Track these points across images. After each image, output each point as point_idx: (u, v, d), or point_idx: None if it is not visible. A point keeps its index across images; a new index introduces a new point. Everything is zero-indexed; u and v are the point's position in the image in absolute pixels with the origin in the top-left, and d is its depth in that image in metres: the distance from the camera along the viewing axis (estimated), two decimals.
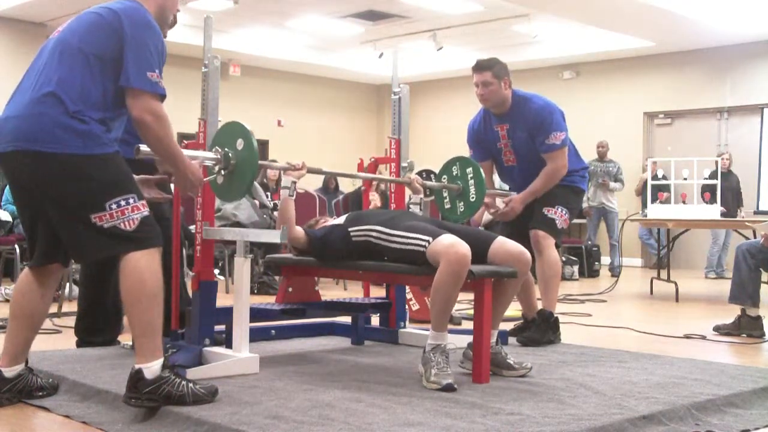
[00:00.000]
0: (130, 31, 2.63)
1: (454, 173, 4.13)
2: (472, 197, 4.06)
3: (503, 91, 4.19)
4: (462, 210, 4.13)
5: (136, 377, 2.58)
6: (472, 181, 4.06)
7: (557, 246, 4.37)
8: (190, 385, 2.66)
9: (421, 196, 4.00)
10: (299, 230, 3.52)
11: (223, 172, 3.18)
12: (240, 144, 3.15)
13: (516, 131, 4.24)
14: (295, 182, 3.45)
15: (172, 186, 3.35)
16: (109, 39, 2.63)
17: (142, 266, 2.59)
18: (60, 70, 2.62)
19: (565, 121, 4.24)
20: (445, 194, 4.17)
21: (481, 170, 4.06)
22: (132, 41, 2.62)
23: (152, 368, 2.59)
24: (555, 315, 4.25)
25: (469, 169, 4.10)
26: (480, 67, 4.19)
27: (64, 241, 2.68)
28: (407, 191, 4.33)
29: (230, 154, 3.16)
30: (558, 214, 4.26)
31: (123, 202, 2.60)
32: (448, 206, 4.18)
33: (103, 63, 2.63)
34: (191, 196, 3.21)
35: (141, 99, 2.61)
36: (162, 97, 2.66)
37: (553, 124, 4.16)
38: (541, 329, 4.18)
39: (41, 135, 2.56)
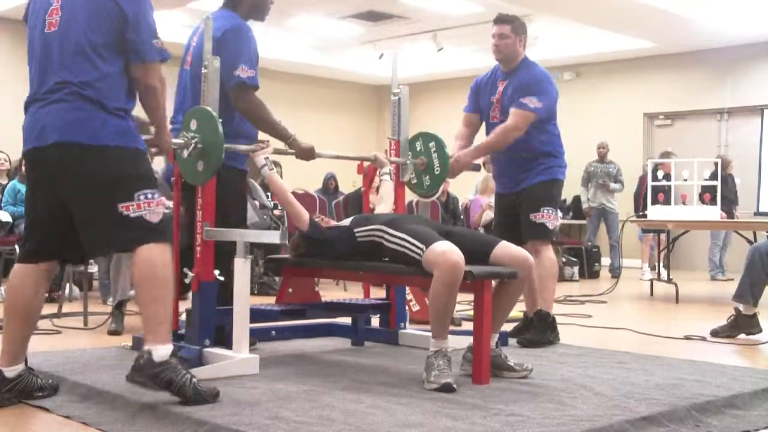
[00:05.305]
0: (127, 7, 2.69)
1: (418, 149, 4.26)
2: (437, 170, 4.20)
3: (517, 47, 4.31)
4: (428, 183, 4.26)
5: (144, 357, 2.64)
6: (435, 155, 4.19)
7: (554, 243, 4.40)
8: (194, 380, 2.68)
9: (390, 168, 4.08)
10: (303, 211, 3.53)
11: (189, 153, 3.20)
12: (194, 124, 3.21)
13: (509, 88, 4.30)
14: (267, 158, 3.47)
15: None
16: (111, 23, 2.69)
17: (155, 256, 2.68)
18: (82, 72, 2.66)
19: (557, 97, 4.28)
20: (411, 170, 4.24)
21: (444, 144, 4.19)
22: (132, 17, 2.69)
23: (161, 352, 2.65)
24: (552, 315, 4.25)
25: (432, 143, 4.23)
26: (501, 20, 4.33)
27: (87, 235, 2.73)
28: (407, 193, 4.34)
29: (195, 137, 3.20)
30: (545, 217, 4.25)
31: (150, 195, 2.71)
32: (414, 181, 4.26)
33: (115, 49, 2.70)
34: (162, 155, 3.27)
35: (153, 68, 2.74)
36: (166, 59, 2.77)
37: (540, 91, 4.21)
38: (539, 330, 4.18)
39: (82, 129, 2.63)
